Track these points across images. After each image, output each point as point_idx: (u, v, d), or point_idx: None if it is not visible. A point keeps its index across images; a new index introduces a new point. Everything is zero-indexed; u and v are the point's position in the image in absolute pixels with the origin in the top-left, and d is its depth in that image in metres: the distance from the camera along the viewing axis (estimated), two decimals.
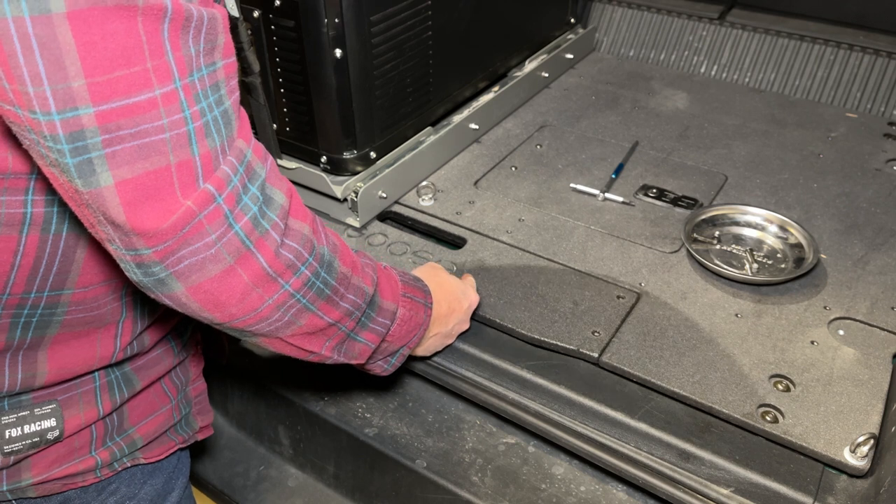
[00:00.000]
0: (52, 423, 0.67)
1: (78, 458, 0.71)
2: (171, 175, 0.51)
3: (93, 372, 0.70)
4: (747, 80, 1.70)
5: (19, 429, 0.66)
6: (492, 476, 1.01)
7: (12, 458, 0.67)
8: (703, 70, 1.75)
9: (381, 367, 0.86)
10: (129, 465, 0.76)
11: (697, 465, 0.87)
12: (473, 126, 1.43)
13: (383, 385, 1.14)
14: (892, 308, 1.05)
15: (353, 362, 0.78)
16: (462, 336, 1.01)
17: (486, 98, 1.48)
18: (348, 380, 1.15)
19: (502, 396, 0.96)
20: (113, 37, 0.47)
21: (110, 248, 0.54)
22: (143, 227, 0.51)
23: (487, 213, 1.24)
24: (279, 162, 1.21)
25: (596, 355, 0.96)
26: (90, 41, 0.46)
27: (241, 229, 0.57)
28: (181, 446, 0.83)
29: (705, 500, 0.84)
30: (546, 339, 0.99)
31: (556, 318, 1.02)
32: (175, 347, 0.79)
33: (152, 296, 0.58)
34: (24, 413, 0.66)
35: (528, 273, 1.10)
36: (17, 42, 0.44)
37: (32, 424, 0.66)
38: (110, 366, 0.71)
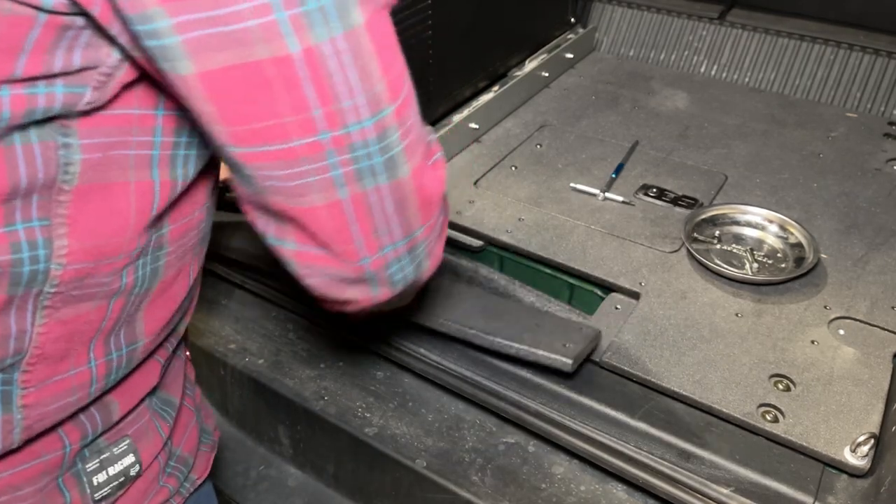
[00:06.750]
0: (131, 459, 0.66)
1: (153, 490, 0.70)
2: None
3: (143, 400, 0.69)
4: (747, 79, 1.70)
5: (105, 472, 0.65)
6: (492, 475, 1.01)
7: (103, 503, 0.65)
8: (703, 70, 1.75)
9: None
10: (191, 489, 0.75)
11: (697, 465, 0.87)
12: (473, 125, 1.43)
13: (383, 385, 1.14)
14: (893, 308, 1.05)
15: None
16: None
17: (486, 97, 1.48)
18: (348, 379, 1.15)
19: (502, 396, 0.96)
20: (389, 33, 0.50)
21: (347, 152, 0.53)
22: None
23: (487, 212, 1.24)
24: None
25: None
26: (380, 43, 0.48)
27: (420, 124, 0.62)
28: (211, 454, 0.82)
29: (705, 499, 0.84)
30: None
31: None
32: (182, 357, 0.79)
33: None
34: (104, 456, 0.65)
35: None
36: (334, 60, 0.46)
37: (115, 465, 0.65)
38: (153, 391, 0.71)
